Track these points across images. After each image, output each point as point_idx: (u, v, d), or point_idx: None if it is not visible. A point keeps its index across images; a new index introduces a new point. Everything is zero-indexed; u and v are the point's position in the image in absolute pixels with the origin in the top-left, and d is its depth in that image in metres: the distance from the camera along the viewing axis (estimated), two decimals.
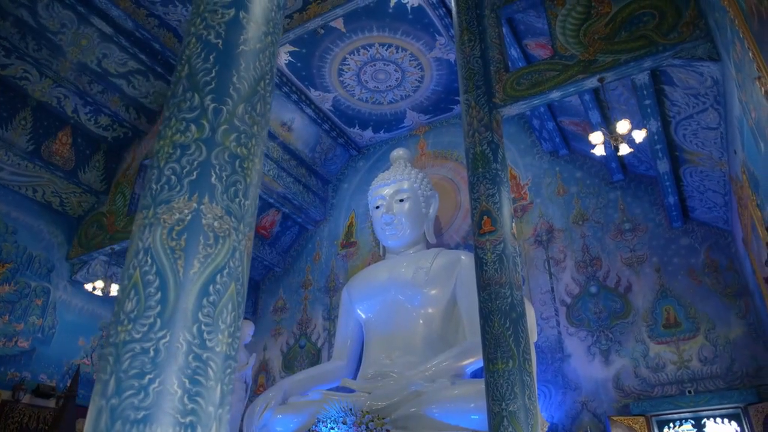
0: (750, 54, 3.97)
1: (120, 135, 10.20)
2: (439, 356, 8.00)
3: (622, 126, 5.66)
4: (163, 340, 1.71)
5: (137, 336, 1.71)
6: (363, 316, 9.39)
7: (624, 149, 5.76)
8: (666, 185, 7.74)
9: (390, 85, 11.00)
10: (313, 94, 11.09)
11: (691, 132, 6.58)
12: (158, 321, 1.73)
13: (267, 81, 2.38)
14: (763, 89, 3.87)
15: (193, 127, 2.09)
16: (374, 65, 10.56)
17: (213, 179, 2.01)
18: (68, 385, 8.86)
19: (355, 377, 8.87)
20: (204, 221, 1.92)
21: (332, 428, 7.07)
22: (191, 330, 1.76)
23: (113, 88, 9.67)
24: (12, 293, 8.88)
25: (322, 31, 9.53)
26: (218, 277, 1.88)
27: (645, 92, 6.26)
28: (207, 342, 1.77)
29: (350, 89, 11.06)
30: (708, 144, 6.56)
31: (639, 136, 5.73)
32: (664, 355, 7.87)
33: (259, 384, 10.95)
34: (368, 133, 12.23)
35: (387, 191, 9.85)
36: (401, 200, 9.67)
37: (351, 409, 7.12)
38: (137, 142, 10.23)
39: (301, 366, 10.60)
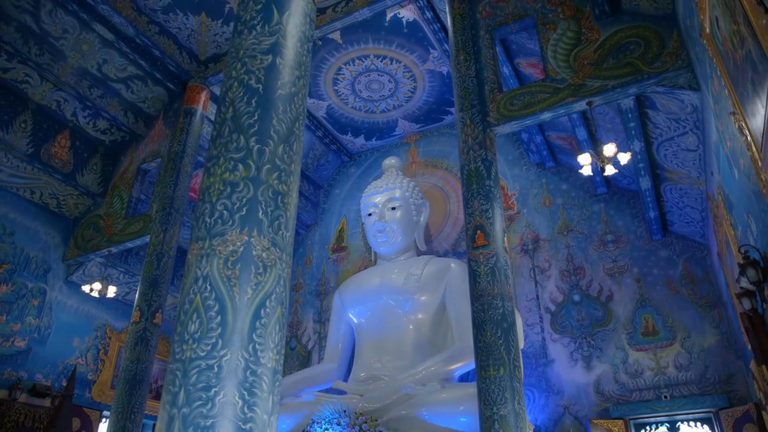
0: (726, 91, 4.34)
1: (118, 139, 10.36)
2: (429, 360, 8.31)
3: (609, 149, 6.04)
4: (225, 358, 1.98)
5: (202, 354, 1.99)
6: (355, 320, 9.67)
7: (610, 170, 6.14)
8: (647, 200, 8.15)
9: (383, 95, 11.31)
10: (308, 101, 11.34)
11: (671, 153, 6.99)
12: (219, 341, 2.01)
13: (300, 121, 2.66)
14: (737, 124, 4.23)
15: (240, 167, 2.36)
16: (369, 75, 10.86)
17: (260, 214, 2.28)
18: (64, 384, 9.02)
19: (346, 380, 9.14)
20: (254, 252, 2.20)
21: (326, 429, 7.34)
22: (247, 348, 2.03)
23: (112, 93, 9.83)
24: (9, 294, 9.01)
25: (320, 43, 9.80)
26: (267, 302, 2.16)
27: (630, 115, 6.65)
28: (260, 359, 2.05)
29: (344, 98, 11.34)
30: (687, 164, 6.97)
31: (624, 158, 6.11)
32: (643, 362, 8.28)
33: None
34: (360, 140, 12.52)
35: (379, 199, 10.15)
36: (393, 208, 9.98)
37: (345, 411, 7.40)
38: (135, 146, 10.40)
39: (291, 368, 10.85)
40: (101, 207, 10.08)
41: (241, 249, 2.19)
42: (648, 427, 8.02)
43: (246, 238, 2.21)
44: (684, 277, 8.53)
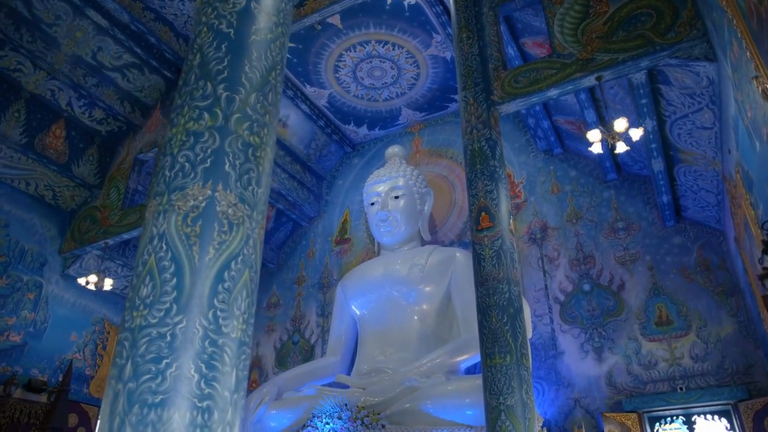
0: (748, 53, 4.02)
1: (114, 129, 10.14)
2: (434, 352, 8.03)
3: (620, 124, 5.71)
4: (180, 326, 1.71)
5: (153, 321, 1.72)
6: (357, 312, 9.41)
7: (621, 147, 5.82)
8: (660, 184, 7.81)
9: (386, 83, 11.01)
10: (309, 90, 11.08)
11: (686, 131, 6.66)
12: (174, 306, 1.74)
13: (278, 71, 2.39)
14: (760, 88, 3.92)
15: (206, 115, 2.09)
16: (370, 62, 10.57)
17: (227, 167, 2.01)
18: (60, 379, 8.81)
19: (349, 373, 8.88)
20: (218, 208, 1.93)
21: (327, 423, 7.08)
22: (207, 315, 1.76)
23: (108, 82, 9.60)
24: (4, 287, 8.81)
25: (319, 27, 9.52)
26: (233, 263, 1.89)
27: (641, 91, 6.32)
28: (222, 327, 1.78)
29: (346, 86, 11.06)
30: (702, 143, 6.64)
31: (636, 134, 5.79)
32: (656, 353, 7.95)
33: (251, 380, 10.93)
34: (363, 130, 12.23)
35: (382, 188, 9.87)
36: (396, 197, 9.70)
37: (346, 404, 7.14)
38: (132, 136, 10.17)
39: (294, 362, 10.59)
40: (98, 198, 9.86)
41: (204, 204, 1.92)
42: (663, 421, 7.69)
43: (209, 192, 1.94)
44: (699, 264, 8.19)
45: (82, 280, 9.10)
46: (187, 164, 1.99)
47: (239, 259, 1.92)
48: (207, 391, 1.67)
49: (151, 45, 9.39)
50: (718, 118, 5.97)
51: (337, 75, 10.82)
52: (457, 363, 7.91)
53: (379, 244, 10.20)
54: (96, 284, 8.99)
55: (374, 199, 9.88)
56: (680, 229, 8.50)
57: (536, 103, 6.68)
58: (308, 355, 10.67)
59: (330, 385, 8.60)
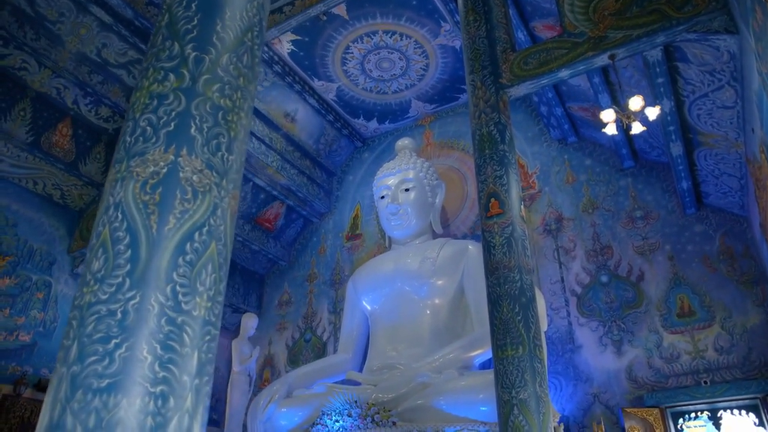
0: None
1: (121, 126, 10.04)
2: (447, 347, 7.81)
3: (635, 102, 5.43)
4: (133, 302, 1.52)
5: (103, 297, 1.53)
6: (368, 307, 9.21)
7: (637, 128, 5.53)
8: (679, 169, 7.50)
9: (394, 74, 10.81)
10: (317, 84, 10.91)
11: (705, 112, 6.35)
12: (127, 281, 1.55)
13: (255, 33, 2.20)
14: None
15: (171, 77, 1.91)
16: (378, 53, 10.37)
17: (192, 130, 1.82)
18: None
19: (361, 370, 8.69)
20: (182, 174, 1.74)
21: (337, 421, 6.89)
22: (164, 291, 1.57)
23: (113, 79, 9.51)
24: (13, 287, 8.76)
25: (325, 17, 9.35)
26: (196, 234, 1.70)
27: (657, 70, 6.02)
28: (182, 305, 1.59)
29: (354, 78, 10.87)
30: (723, 124, 6.33)
31: (652, 113, 5.50)
32: (679, 345, 7.64)
33: (264, 379, 10.80)
34: (373, 123, 12.03)
35: (392, 181, 9.66)
36: (407, 190, 9.48)
37: (356, 402, 6.95)
38: None
39: (306, 360, 10.43)
40: None
41: (165, 170, 1.73)
42: (687, 416, 7.37)
43: (172, 157, 1.75)
44: (722, 252, 7.86)
45: None
46: (148, 128, 1.80)
47: (204, 230, 1.72)
48: (162, 374, 1.48)
49: None
50: (740, 96, 5.66)
51: (344, 67, 10.63)
52: (470, 358, 7.68)
53: (389, 238, 10.00)
54: None
55: (384, 193, 9.67)
56: (701, 216, 8.17)
57: (547, 85, 6.41)
58: (320, 353, 10.50)
59: (341, 382, 8.42)
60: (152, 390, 1.44)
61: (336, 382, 8.31)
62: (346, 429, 6.81)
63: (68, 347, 1.51)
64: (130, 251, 1.60)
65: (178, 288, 1.60)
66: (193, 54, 1.94)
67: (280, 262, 11.81)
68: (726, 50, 5.30)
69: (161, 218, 1.66)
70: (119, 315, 1.50)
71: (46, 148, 9.10)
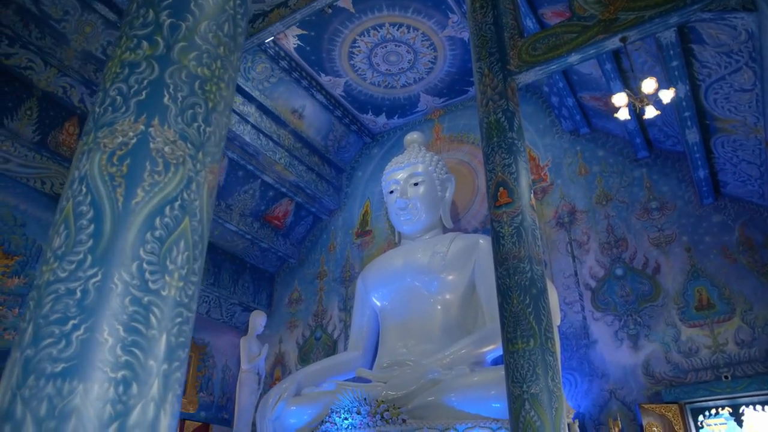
0: None
1: None
2: (458, 343, 7.64)
3: (648, 85, 5.23)
4: (94, 280, 1.40)
5: (63, 275, 1.41)
6: (378, 304, 9.07)
7: (650, 112, 5.33)
8: (695, 158, 7.27)
9: (402, 68, 10.66)
10: (324, 79, 10.79)
11: (722, 96, 6.12)
12: (89, 257, 1.43)
13: (238, 1, 2.07)
14: None
15: (145, 44, 1.78)
16: (385, 47, 10.23)
17: (166, 99, 1.70)
18: None
19: (371, 367, 8.56)
20: (152, 145, 1.62)
21: (346, 418, 6.77)
22: (129, 269, 1.45)
23: None
24: (21, 286, 8.73)
25: (330, 11, 9.21)
26: (167, 209, 1.57)
27: (671, 52, 5.81)
28: (149, 284, 1.46)
29: (361, 73, 10.74)
30: (742, 108, 6.10)
31: (667, 95, 5.29)
32: (698, 339, 7.40)
33: (275, 377, 10.71)
34: (382, 119, 11.89)
35: (401, 175, 9.51)
36: (416, 184, 9.32)
37: (365, 399, 6.81)
38: None
39: (317, 358, 10.31)
40: None
41: (134, 141, 1.60)
42: (707, 412, 7.13)
43: (142, 127, 1.63)
44: (741, 243, 7.61)
45: None
46: (118, 97, 1.68)
47: (176, 204, 1.59)
48: (124, 358, 1.35)
49: None
50: (759, 78, 5.44)
51: (351, 62, 10.50)
52: (482, 354, 7.51)
53: (399, 233, 9.85)
54: None
55: (393, 187, 9.52)
56: (719, 206, 7.92)
57: (556, 71, 6.22)
58: (331, 351, 10.39)
59: (351, 379, 8.30)
60: (113, 375, 1.31)
61: (346, 380, 8.19)
62: (355, 427, 6.68)
63: (23, 330, 1.38)
64: (93, 226, 1.47)
65: (145, 266, 1.47)
66: (169, 21, 1.82)
67: (289, 259, 11.71)
68: (744, 29, 5.09)
69: (128, 191, 1.53)
70: (78, 294, 1.38)
71: (53, 148, 9.07)
